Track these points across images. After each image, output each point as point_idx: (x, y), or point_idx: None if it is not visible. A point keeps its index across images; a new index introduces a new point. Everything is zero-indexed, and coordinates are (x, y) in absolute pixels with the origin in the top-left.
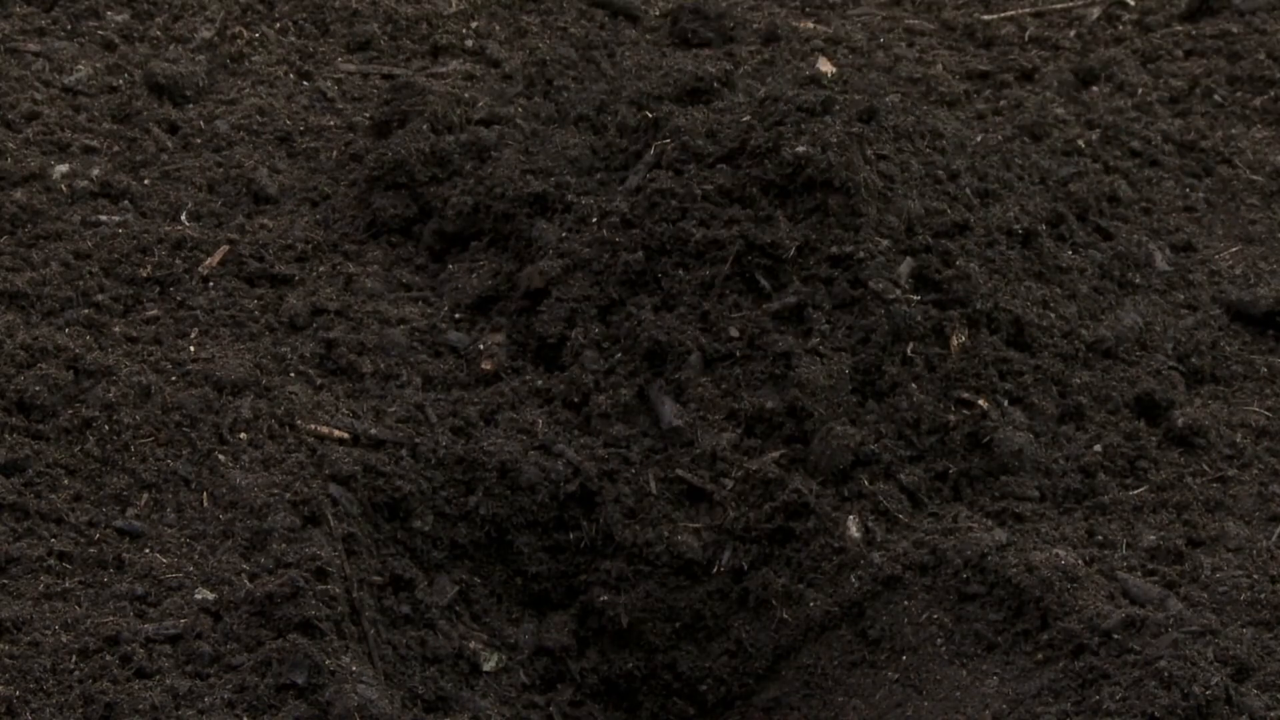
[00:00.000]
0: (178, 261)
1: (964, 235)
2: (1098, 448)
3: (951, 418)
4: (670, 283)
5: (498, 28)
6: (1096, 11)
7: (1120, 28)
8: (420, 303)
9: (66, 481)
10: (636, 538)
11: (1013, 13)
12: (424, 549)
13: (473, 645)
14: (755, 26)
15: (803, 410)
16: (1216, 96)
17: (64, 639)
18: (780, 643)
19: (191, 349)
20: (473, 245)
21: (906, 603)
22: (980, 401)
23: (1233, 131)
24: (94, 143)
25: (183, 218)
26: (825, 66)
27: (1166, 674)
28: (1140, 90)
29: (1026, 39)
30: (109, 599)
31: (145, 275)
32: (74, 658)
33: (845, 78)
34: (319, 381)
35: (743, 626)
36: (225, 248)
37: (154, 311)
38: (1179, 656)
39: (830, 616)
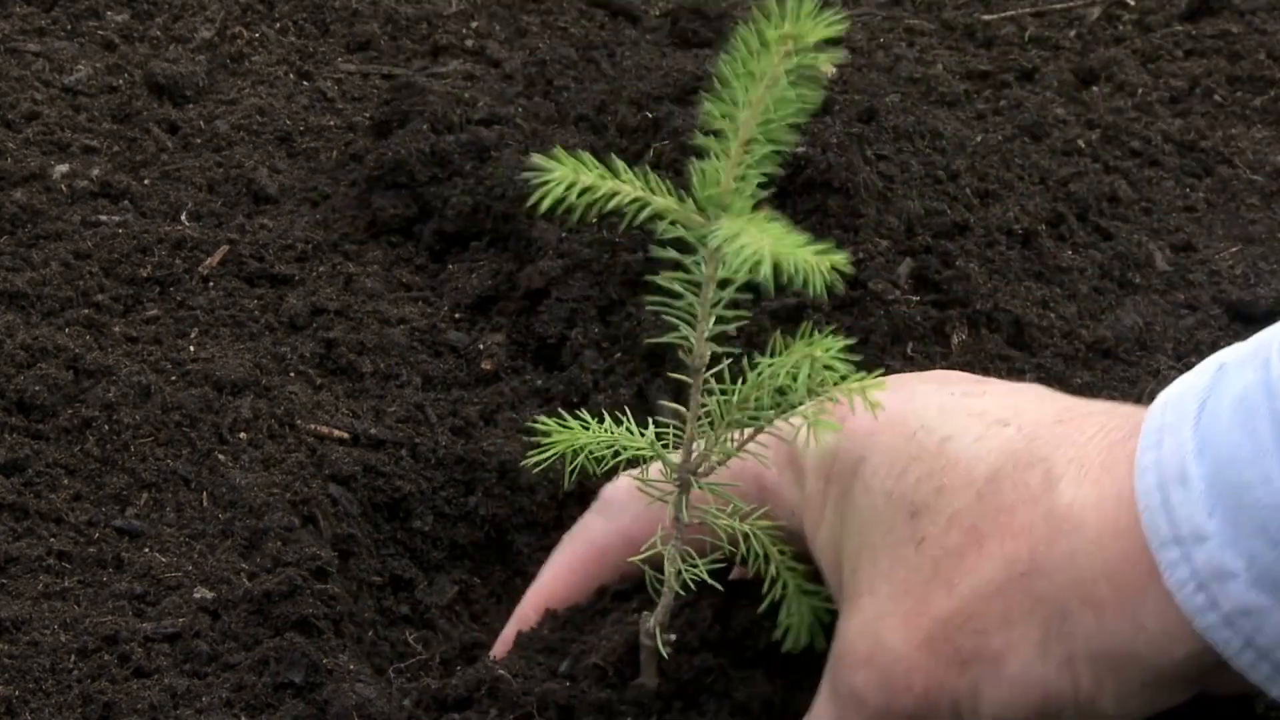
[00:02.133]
0: (178, 261)
1: (964, 235)
2: None
3: None
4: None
5: (498, 28)
6: (1096, 11)
7: (1120, 28)
8: (420, 303)
9: (66, 481)
10: None
11: (1013, 13)
12: (424, 549)
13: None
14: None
15: None
16: (1216, 96)
17: (63, 638)
18: None
19: (191, 349)
20: (473, 245)
21: None
22: None
23: (1233, 131)
24: (94, 143)
25: (183, 218)
26: (825, 67)
27: None
28: (1140, 90)
29: (1026, 39)
30: (108, 598)
31: (145, 275)
32: (73, 657)
33: (845, 78)
34: (319, 381)
35: None
36: (225, 248)
37: (154, 311)
38: None
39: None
